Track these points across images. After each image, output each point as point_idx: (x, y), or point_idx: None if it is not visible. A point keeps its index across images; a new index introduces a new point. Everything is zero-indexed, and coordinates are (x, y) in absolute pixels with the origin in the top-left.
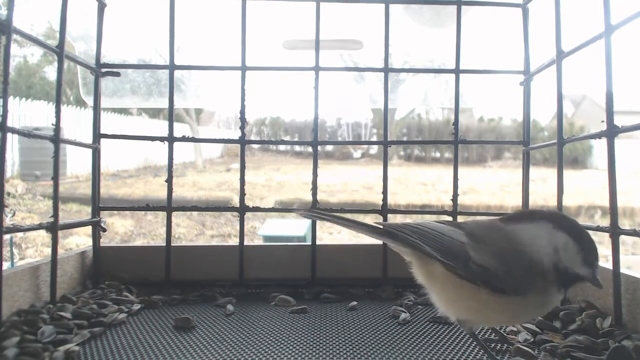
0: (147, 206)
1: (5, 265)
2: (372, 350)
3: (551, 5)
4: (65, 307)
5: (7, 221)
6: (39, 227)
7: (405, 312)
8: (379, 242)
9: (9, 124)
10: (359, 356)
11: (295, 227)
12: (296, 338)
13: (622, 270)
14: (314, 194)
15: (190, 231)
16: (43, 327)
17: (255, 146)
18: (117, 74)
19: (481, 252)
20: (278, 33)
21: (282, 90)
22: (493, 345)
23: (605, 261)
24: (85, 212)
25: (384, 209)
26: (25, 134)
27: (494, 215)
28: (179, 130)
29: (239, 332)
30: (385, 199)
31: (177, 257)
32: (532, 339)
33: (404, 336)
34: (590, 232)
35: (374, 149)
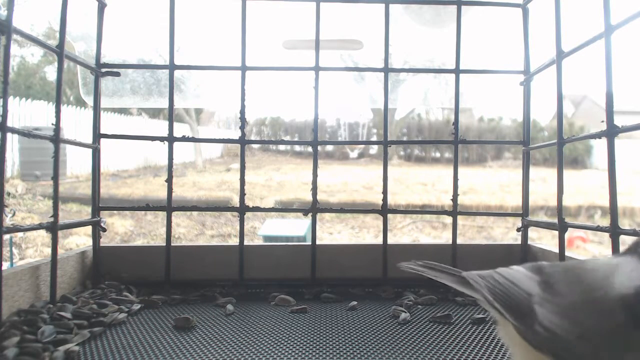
0: (147, 206)
1: (5, 265)
2: (372, 350)
3: (551, 5)
4: (65, 307)
5: (7, 221)
6: (39, 227)
7: (405, 312)
8: (379, 242)
9: (9, 124)
10: (359, 356)
11: (295, 227)
12: (296, 338)
13: None
14: (314, 194)
15: (190, 231)
16: (43, 327)
17: (255, 146)
18: (117, 74)
19: (549, 308)
20: (278, 33)
21: (282, 90)
22: None
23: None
24: (85, 212)
25: (384, 209)
26: (25, 134)
27: (494, 215)
28: (179, 130)
29: (239, 332)
30: (385, 199)
31: (177, 257)
32: None
33: (404, 336)
34: (590, 232)
35: (374, 149)
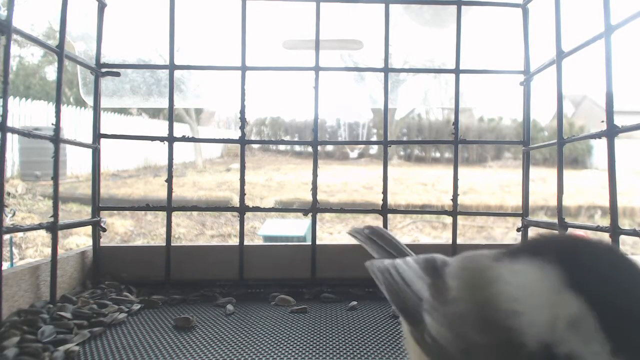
0: (147, 206)
1: (5, 265)
2: (372, 350)
3: (551, 5)
4: (65, 307)
5: (7, 221)
6: (39, 227)
7: None
8: None
9: (9, 124)
10: (359, 356)
11: (295, 227)
12: (296, 338)
13: None
14: (314, 194)
15: (190, 231)
16: (43, 327)
17: (255, 146)
18: (117, 74)
19: (437, 317)
20: (278, 33)
21: (282, 90)
22: None
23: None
24: (85, 212)
25: (384, 209)
26: (25, 134)
27: (494, 215)
28: (179, 130)
29: (239, 332)
30: (385, 199)
31: (177, 257)
32: None
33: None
34: (590, 232)
35: (374, 149)
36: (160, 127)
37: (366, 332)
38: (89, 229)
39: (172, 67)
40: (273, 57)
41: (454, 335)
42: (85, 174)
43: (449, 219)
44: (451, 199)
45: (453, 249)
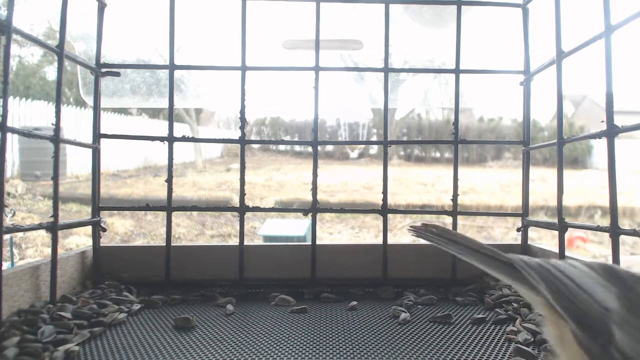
0: (147, 206)
1: (5, 265)
2: (372, 350)
3: (551, 5)
4: (65, 307)
5: (7, 221)
6: (39, 227)
7: (405, 312)
8: (379, 242)
9: (9, 124)
10: (359, 356)
11: (295, 227)
12: (296, 338)
13: None
14: (314, 194)
15: (190, 231)
16: (43, 327)
17: (255, 146)
18: (117, 74)
19: (632, 332)
20: (278, 33)
21: (282, 90)
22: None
23: (605, 261)
24: (85, 212)
25: (384, 209)
26: (25, 134)
27: (494, 215)
28: (179, 130)
29: (239, 332)
30: (385, 199)
31: (177, 257)
32: (532, 339)
33: (404, 336)
34: (590, 232)
35: (374, 149)
36: (160, 127)
37: (366, 332)
38: (89, 229)
39: (172, 67)
40: (273, 57)
41: None
42: (85, 174)
43: (449, 219)
44: (451, 199)
45: None
